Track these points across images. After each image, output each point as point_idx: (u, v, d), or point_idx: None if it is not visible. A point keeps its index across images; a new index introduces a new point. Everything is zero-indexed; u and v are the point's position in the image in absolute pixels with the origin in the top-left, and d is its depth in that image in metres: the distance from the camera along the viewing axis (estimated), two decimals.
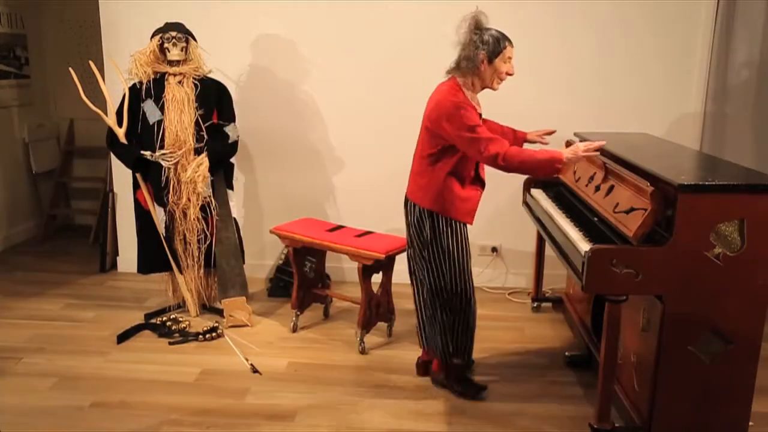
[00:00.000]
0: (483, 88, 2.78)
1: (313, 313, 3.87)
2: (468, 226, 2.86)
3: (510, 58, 2.70)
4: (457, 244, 2.83)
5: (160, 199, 3.64)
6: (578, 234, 2.67)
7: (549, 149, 2.66)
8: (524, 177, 3.94)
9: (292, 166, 4.40)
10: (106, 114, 3.59)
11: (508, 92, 4.16)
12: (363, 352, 3.41)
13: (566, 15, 4.04)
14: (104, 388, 3.03)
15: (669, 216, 2.31)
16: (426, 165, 2.80)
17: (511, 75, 2.73)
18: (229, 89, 3.79)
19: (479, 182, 2.87)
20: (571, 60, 4.10)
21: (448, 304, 2.89)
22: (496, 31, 2.69)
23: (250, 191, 4.46)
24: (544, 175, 2.88)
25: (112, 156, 4.23)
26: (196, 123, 3.59)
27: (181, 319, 3.69)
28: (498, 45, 2.66)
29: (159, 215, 3.68)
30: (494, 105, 4.20)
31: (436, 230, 2.82)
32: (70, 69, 3.65)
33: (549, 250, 3.56)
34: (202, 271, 3.80)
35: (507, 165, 2.57)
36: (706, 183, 2.27)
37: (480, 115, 2.80)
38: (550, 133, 3.19)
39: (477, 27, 2.67)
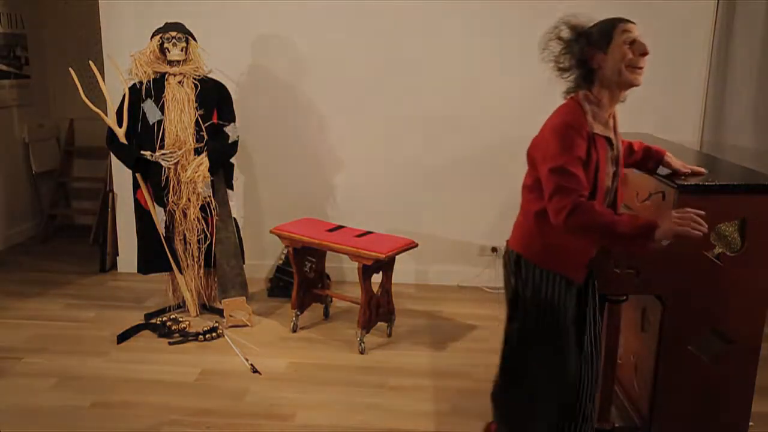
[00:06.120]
0: (621, 91, 2.09)
1: (313, 313, 3.86)
2: (575, 283, 2.12)
3: (632, 37, 2.04)
4: (551, 308, 2.08)
5: (160, 199, 3.64)
6: None
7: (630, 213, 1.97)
8: (523, 175, 3.95)
9: (292, 167, 4.40)
10: (106, 114, 3.59)
11: (510, 92, 4.19)
12: (363, 352, 3.41)
13: (567, 14, 4.04)
14: (104, 388, 3.03)
15: None
16: (524, 199, 2.19)
17: (646, 54, 2.03)
18: (229, 89, 3.78)
19: None
20: None
21: (526, 390, 2.18)
22: (596, 22, 2.10)
23: (250, 191, 4.46)
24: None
25: (112, 156, 4.23)
26: (196, 123, 3.59)
27: (181, 319, 3.69)
28: (604, 28, 2.06)
29: (159, 215, 3.68)
30: (495, 105, 4.22)
31: (522, 283, 2.12)
32: (70, 69, 3.65)
33: None
34: (202, 271, 3.80)
35: (571, 222, 1.89)
36: (706, 183, 2.27)
37: (609, 139, 2.09)
38: (698, 173, 2.35)
39: (570, 29, 2.12)
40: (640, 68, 2.02)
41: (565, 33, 2.11)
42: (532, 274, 2.09)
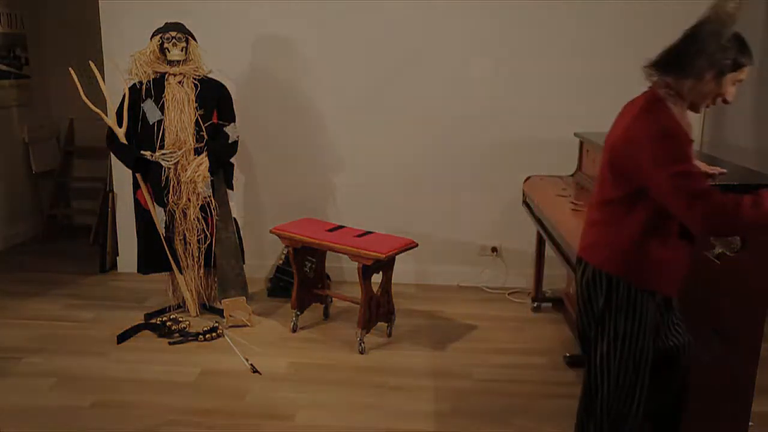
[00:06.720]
0: (690, 106, 1.94)
1: (313, 313, 3.86)
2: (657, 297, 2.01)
3: (742, 81, 1.91)
4: (642, 328, 1.98)
5: (160, 199, 3.64)
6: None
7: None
8: (524, 175, 3.96)
9: (292, 166, 4.40)
10: (106, 114, 3.59)
11: (510, 93, 4.19)
12: (363, 352, 3.41)
13: (568, 15, 4.04)
14: (104, 388, 3.03)
15: None
16: (608, 215, 1.99)
17: (726, 103, 1.94)
18: (229, 89, 3.78)
19: (687, 236, 1.96)
20: (572, 60, 4.10)
21: (603, 418, 2.06)
22: (742, 38, 1.88)
23: (250, 191, 4.46)
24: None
25: (112, 156, 4.23)
26: (196, 123, 3.59)
27: (181, 319, 3.69)
28: (740, 56, 1.85)
29: (159, 215, 3.68)
30: (496, 105, 4.22)
31: (612, 302, 1.98)
32: (70, 69, 3.65)
33: (549, 250, 3.56)
34: (202, 271, 3.80)
35: (724, 222, 1.79)
36: None
37: (692, 141, 1.91)
38: (721, 174, 2.40)
39: (726, 22, 1.83)
40: (709, 106, 1.95)
41: (720, 25, 1.83)
42: (626, 294, 1.95)
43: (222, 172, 3.77)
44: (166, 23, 3.61)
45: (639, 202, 1.89)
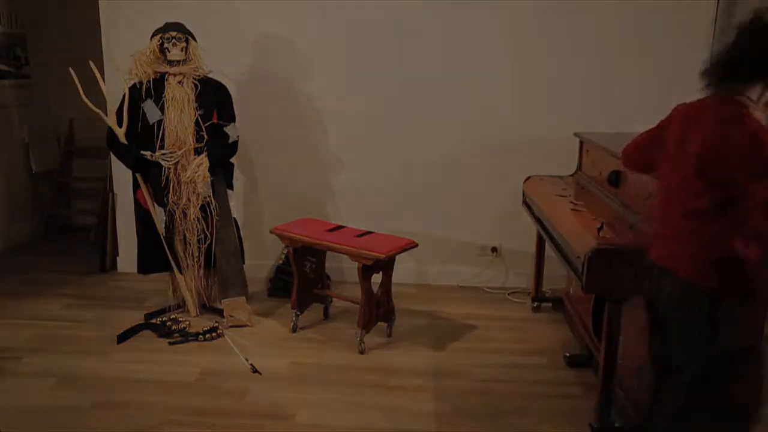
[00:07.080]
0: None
1: (313, 313, 3.86)
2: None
3: None
4: (737, 336, 1.95)
5: (160, 199, 3.64)
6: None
7: None
8: (524, 175, 3.96)
9: (292, 167, 4.40)
10: (106, 114, 3.59)
11: (511, 92, 4.19)
12: (363, 352, 3.41)
13: (567, 15, 4.04)
14: (104, 388, 3.03)
15: None
16: (694, 225, 1.93)
17: None
18: (229, 89, 3.78)
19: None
20: (571, 59, 4.10)
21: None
22: None
23: (250, 191, 4.46)
24: None
25: (112, 156, 4.23)
26: (196, 123, 3.59)
27: (181, 319, 3.69)
28: None
29: (159, 215, 3.68)
30: (496, 105, 4.22)
31: (715, 319, 1.91)
32: (70, 69, 3.64)
33: (549, 250, 3.56)
34: (202, 271, 3.80)
35: None
36: None
37: None
38: None
39: None
40: None
41: None
42: (728, 311, 1.90)
43: (222, 172, 3.77)
44: (166, 23, 3.61)
45: (729, 210, 1.84)
